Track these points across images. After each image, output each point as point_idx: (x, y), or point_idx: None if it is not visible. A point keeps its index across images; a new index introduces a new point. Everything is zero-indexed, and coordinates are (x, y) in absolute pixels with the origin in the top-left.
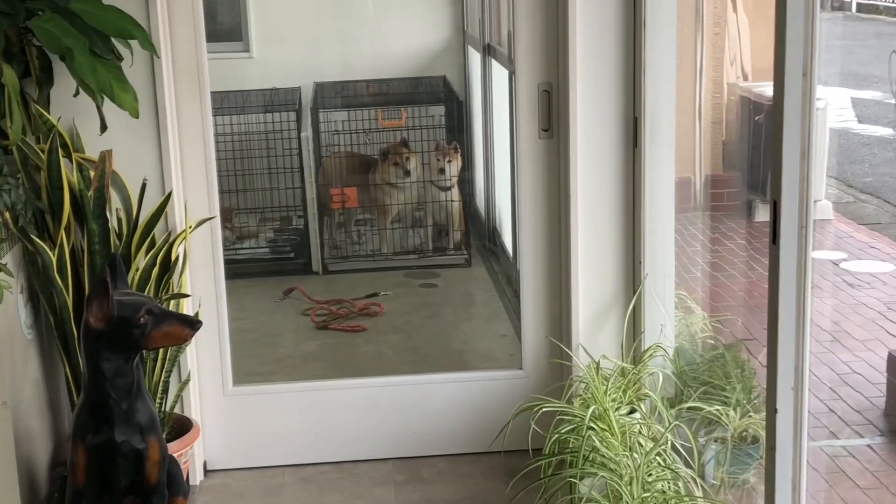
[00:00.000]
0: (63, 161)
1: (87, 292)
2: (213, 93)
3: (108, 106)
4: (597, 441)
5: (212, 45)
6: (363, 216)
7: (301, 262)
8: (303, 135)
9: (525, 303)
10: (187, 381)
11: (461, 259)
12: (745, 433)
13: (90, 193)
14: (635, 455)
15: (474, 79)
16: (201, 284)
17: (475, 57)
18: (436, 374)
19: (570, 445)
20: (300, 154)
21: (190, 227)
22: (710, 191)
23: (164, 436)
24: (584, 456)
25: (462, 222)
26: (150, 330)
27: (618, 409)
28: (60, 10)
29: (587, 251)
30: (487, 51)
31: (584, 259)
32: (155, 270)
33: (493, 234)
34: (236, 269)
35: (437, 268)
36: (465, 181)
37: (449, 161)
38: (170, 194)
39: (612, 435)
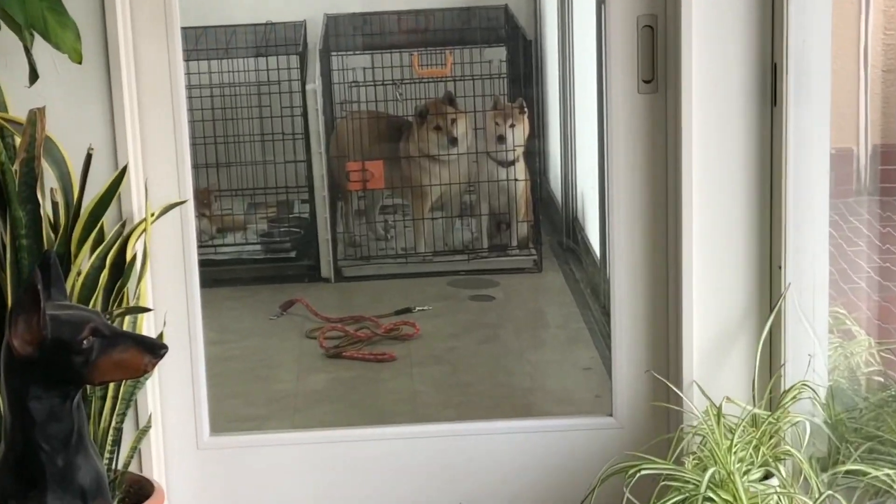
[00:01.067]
0: None
1: (9, 305)
2: (184, 29)
3: (41, 47)
4: None
5: None
6: (392, 201)
7: (306, 265)
8: (309, 87)
9: (617, 323)
10: (147, 428)
11: (528, 262)
12: None
13: (15, 168)
14: None
15: (549, 9)
16: (167, 294)
17: None
18: (492, 423)
19: None
20: (304, 115)
21: (152, 216)
22: (879, 167)
23: None
24: None
25: (529, 211)
26: (97, 357)
27: (747, 472)
28: None
29: (705, 252)
30: None
31: (702, 263)
32: (104, 275)
33: (574, 228)
34: (216, 274)
35: (494, 274)
36: (535, 154)
37: (512, 125)
38: (124, 169)
39: None
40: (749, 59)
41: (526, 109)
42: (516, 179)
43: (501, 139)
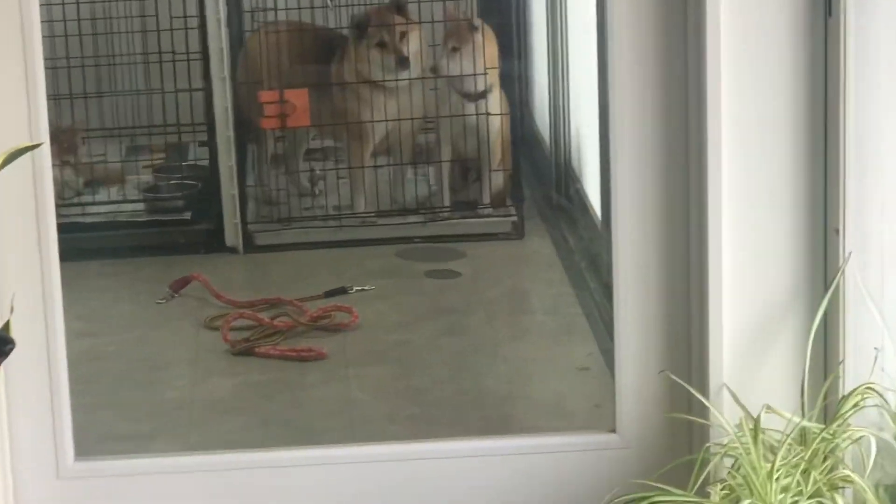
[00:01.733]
0: None
1: None
2: None
3: None
4: None
5: None
6: (321, 144)
7: (204, 230)
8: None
9: (623, 308)
10: None
11: (505, 225)
12: None
13: None
14: None
15: None
16: (15, 271)
17: None
18: (456, 442)
19: None
20: (202, 27)
21: None
22: None
23: None
24: None
25: (507, 156)
26: None
27: None
28: None
29: (739, 212)
30: None
31: (734, 227)
32: None
33: (566, 179)
34: (85, 242)
35: (459, 241)
36: (513, 80)
37: (455, 48)
38: None
39: None
40: None
41: (477, 25)
42: (488, 114)
43: (433, 69)
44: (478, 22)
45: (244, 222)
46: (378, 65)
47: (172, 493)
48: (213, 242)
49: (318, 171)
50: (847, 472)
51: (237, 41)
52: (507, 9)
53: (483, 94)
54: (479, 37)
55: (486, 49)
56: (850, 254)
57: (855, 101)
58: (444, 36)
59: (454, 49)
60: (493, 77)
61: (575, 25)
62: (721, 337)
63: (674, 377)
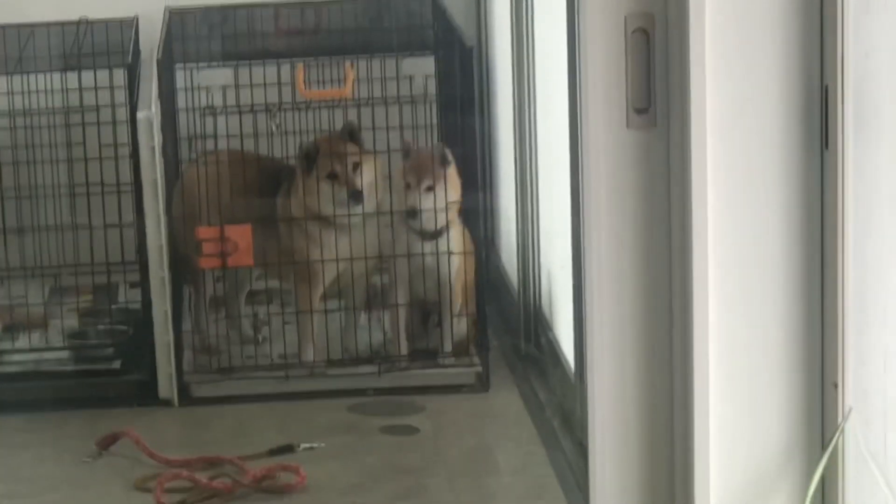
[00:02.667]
0: None
1: None
2: None
3: None
4: None
5: None
6: (265, 285)
7: (136, 381)
8: (141, 116)
9: (599, 469)
10: None
11: (469, 376)
12: None
13: None
14: None
15: (498, 5)
16: None
17: None
18: None
19: None
20: (135, 156)
21: None
22: None
23: None
24: None
25: (471, 300)
26: None
27: None
28: None
29: (727, 364)
30: None
31: (723, 379)
32: None
33: (536, 326)
34: (3, 394)
35: (418, 393)
36: (478, 214)
37: (430, 187)
38: None
39: None
40: (789, 78)
41: (450, 160)
42: (450, 253)
43: (412, 212)
44: (450, 156)
45: (179, 372)
46: (329, 198)
47: None
48: (145, 394)
49: (261, 316)
50: None
51: (173, 172)
52: (470, 133)
53: (440, 232)
54: (450, 171)
55: (455, 181)
56: (850, 410)
57: (854, 242)
58: (415, 173)
59: (428, 189)
60: (453, 212)
61: (546, 152)
62: (709, 499)
63: None
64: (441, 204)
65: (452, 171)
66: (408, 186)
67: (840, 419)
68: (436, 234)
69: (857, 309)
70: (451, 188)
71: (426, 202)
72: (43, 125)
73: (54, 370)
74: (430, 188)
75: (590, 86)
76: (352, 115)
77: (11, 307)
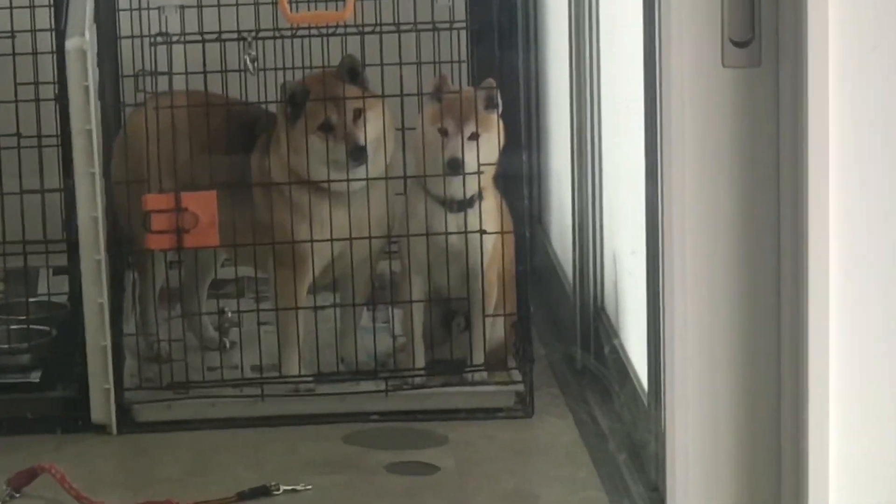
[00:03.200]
0: None
1: None
2: None
3: None
4: None
5: None
6: (235, 273)
7: (60, 399)
8: (70, 45)
9: None
10: None
11: (506, 396)
12: None
13: None
14: None
15: None
16: None
17: None
18: None
19: None
20: (62, 100)
21: None
22: None
23: None
24: None
25: (510, 295)
26: None
27: None
28: None
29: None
30: None
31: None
32: None
33: (597, 329)
34: None
35: (438, 418)
36: (517, 181)
37: (474, 134)
38: None
39: None
40: None
41: (499, 102)
42: (483, 232)
43: (455, 163)
44: (499, 98)
45: (119, 388)
46: (321, 157)
47: None
48: (72, 417)
49: (230, 314)
50: None
51: (113, 120)
52: (511, 73)
53: (471, 203)
54: (495, 119)
55: (492, 133)
56: None
57: None
58: (454, 116)
59: (472, 137)
60: (487, 178)
61: (613, 99)
62: None
63: None
64: (486, 158)
65: (497, 121)
66: (444, 133)
67: None
68: (464, 205)
69: None
70: (495, 143)
71: (470, 154)
72: None
73: None
74: (475, 136)
75: (674, 11)
76: (353, 46)
77: None
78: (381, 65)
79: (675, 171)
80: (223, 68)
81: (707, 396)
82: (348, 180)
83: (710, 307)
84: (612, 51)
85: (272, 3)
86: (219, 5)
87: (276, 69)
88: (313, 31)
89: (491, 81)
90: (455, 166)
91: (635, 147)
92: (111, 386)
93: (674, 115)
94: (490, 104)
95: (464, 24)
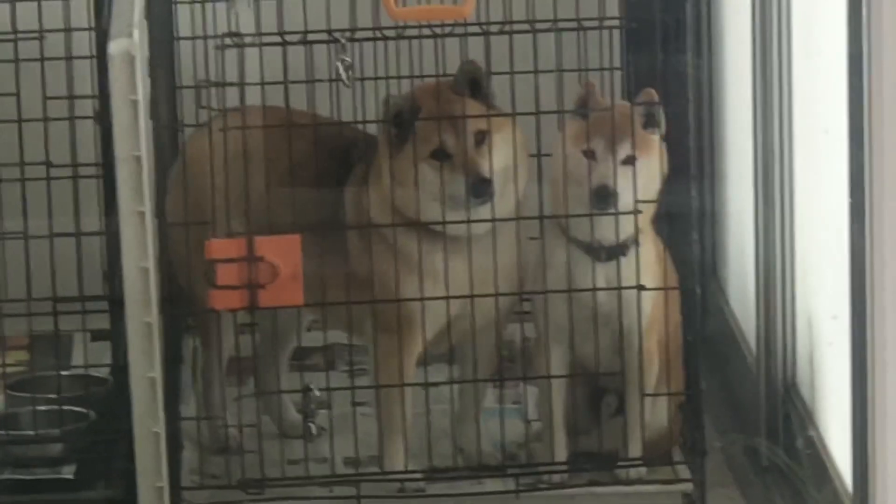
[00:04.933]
0: None
1: None
2: None
3: None
4: None
5: None
6: (323, 339)
7: (101, 499)
8: (114, 49)
9: None
10: None
11: (671, 498)
12: None
13: None
14: None
15: None
16: None
17: None
18: None
19: None
20: (103, 117)
21: None
22: None
23: None
24: None
25: (674, 371)
26: None
27: None
28: None
29: None
30: None
31: None
32: None
33: (786, 415)
34: None
35: None
36: (684, 223)
37: (629, 158)
38: None
39: None
40: None
41: (661, 119)
42: (641, 288)
43: (604, 193)
44: (661, 116)
45: (175, 487)
46: (434, 192)
47: None
48: None
49: (317, 392)
50: None
51: (168, 143)
52: (678, 85)
53: (624, 249)
54: (656, 142)
55: (656, 159)
56: None
57: None
58: (604, 135)
59: (627, 161)
60: (646, 218)
61: (806, 119)
62: None
63: None
64: (630, 199)
65: (659, 144)
66: (591, 156)
67: None
68: (616, 252)
69: None
70: (656, 171)
71: (624, 183)
72: None
73: None
74: (630, 161)
75: (887, 7)
76: (475, 50)
77: None
78: (511, 73)
79: (890, 209)
80: (309, 78)
81: None
82: (469, 221)
83: None
84: (808, 57)
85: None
86: (303, 1)
87: (376, 79)
88: (424, 31)
89: (651, 93)
90: (604, 196)
91: (836, 180)
92: (165, 484)
93: (887, 139)
94: (650, 122)
95: (617, 22)
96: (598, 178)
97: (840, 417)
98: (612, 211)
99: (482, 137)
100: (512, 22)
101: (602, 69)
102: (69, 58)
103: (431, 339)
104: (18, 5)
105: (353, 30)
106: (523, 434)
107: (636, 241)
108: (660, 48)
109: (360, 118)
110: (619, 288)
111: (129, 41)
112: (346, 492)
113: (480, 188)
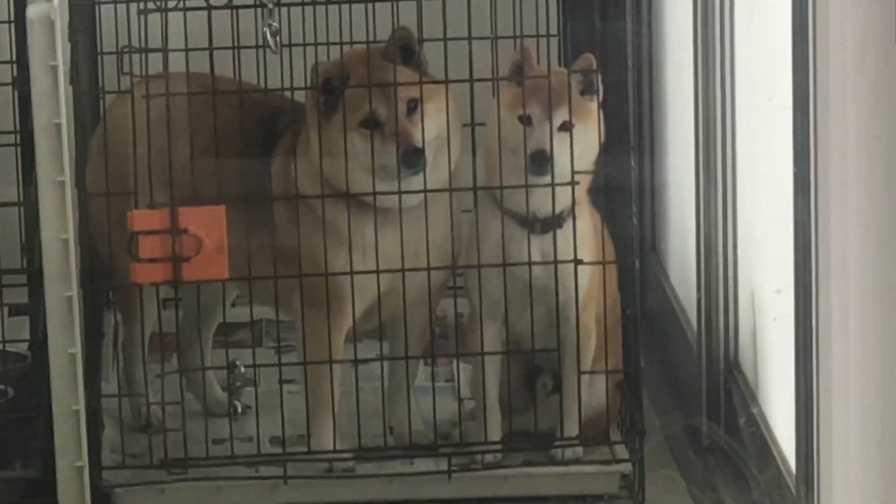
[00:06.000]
0: None
1: None
2: None
3: None
4: None
5: None
6: (249, 315)
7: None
8: (32, 13)
9: None
10: None
11: (608, 480)
12: None
13: None
14: None
15: None
16: None
17: None
18: None
19: None
20: (22, 85)
21: None
22: None
23: None
24: None
25: (612, 348)
26: None
27: None
28: None
29: None
30: None
31: None
32: None
33: (728, 393)
34: None
35: None
36: (622, 194)
37: (565, 124)
38: None
39: None
40: None
41: (599, 86)
42: (577, 262)
43: (540, 158)
44: (599, 83)
45: (96, 467)
46: (364, 162)
47: None
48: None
49: (242, 369)
50: None
51: (89, 111)
52: (616, 47)
53: (560, 221)
54: (593, 108)
55: (590, 124)
56: None
57: None
58: (540, 99)
59: (564, 127)
60: (582, 190)
61: (749, 84)
62: None
63: None
64: (587, 161)
65: (596, 112)
66: (526, 121)
67: None
68: (552, 224)
69: None
70: (593, 139)
71: (561, 149)
72: None
73: None
74: (567, 127)
75: None
76: (407, 15)
77: None
78: (444, 40)
79: (836, 180)
80: (234, 43)
81: (877, 483)
82: (399, 192)
83: (883, 363)
84: (752, 23)
85: None
86: None
87: (304, 45)
88: None
89: (589, 59)
90: (541, 162)
91: (780, 150)
92: (85, 463)
93: (833, 108)
94: (587, 89)
95: None
96: (535, 144)
97: (784, 395)
98: (549, 179)
99: (414, 106)
100: None
101: (538, 36)
102: None
103: (361, 314)
104: None
105: None
106: (456, 413)
107: (573, 213)
108: (597, 14)
109: (287, 85)
110: (556, 262)
111: (49, 5)
112: (273, 472)
113: (412, 158)
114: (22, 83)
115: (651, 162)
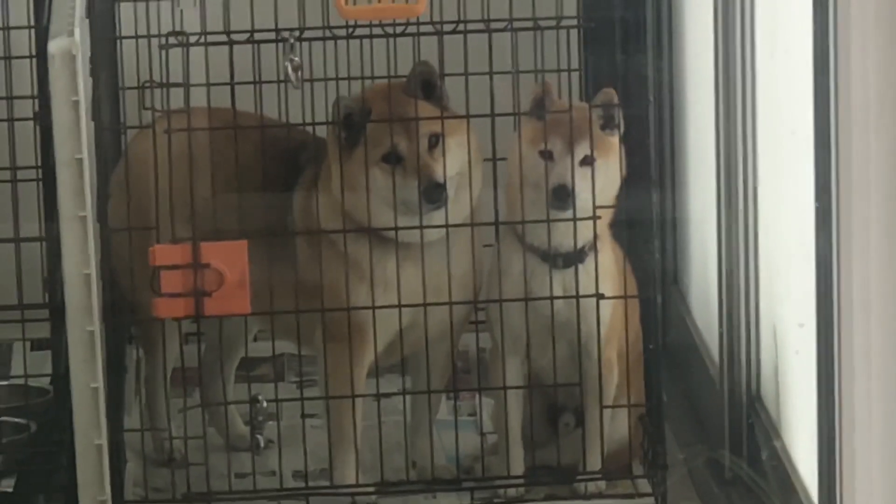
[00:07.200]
0: None
1: None
2: None
3: None
4: None
5: None
6: (271, 349)
7: None
8: (54, 48)
9: None
10: None
11: None
12: None
13: None
14: None
15: None
16: None
17: None
18: None
19: None
20: (43, 119)
21: None
22: None
23: None
24: None
25: (634, 382)
26: None
27: None
28: None
29: None
30: None
31: None
32: None
33: (750, 427)
34: None
35: None
36: (644, 228)
37: (587, 159)
38: None
39: None
40: None
41: (620, 121)
42: (599, 297)
43: (562, 193)
44: (620, 118)
45: (118, 500)
46: (385, 197)
47: None
48: None
49: (265, 403)
50: None
51: (111, 147)
52: (639, 86)
53: (581, 256)
54: (615, 144)
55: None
56: None
57: None
58: (562, 134)
59: (586, 162)
60: (604, 224)
61: (771, 116)
62: None
63: None
64: (588, 202)
65: (618, 146)
66: (547, 156)
67: None
68: (574, 259)
69: None
70: (615, 173)
71: (582, 184)
72: None
73: None
74: (588, 161)
75: (855, 4)
76: (428, 50)
77: None
78: (466, 74)
79: (858, 214)
80: (256, 78)
81: None
82: (421, 227)
83: None
84: (773, 56)
85: None
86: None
87: (326, 80)
88: (376, 31)
89: (610, 94)
90: (563, 196)
91: (802, 183)
92: (108, 498)
93: (855, 141)
94: (609, 124)
95: (575, 22)
96: (556, 178)
97: (806, 429)
98: (570, 214)
99: (435, 140)
100: (466, 21)
101: (559, 70)
102: (8, 57)
103: (383, 348)
104: None
105: (301, 29)
106: (478, 447)
107: (594, 248)
108: (619, 48)
109: (308, 120)
110: (577, 297)
111: (70, 40)
112: (297, 497)
113: (433, 193)
114: (44, 118)
115: (672, 196)
